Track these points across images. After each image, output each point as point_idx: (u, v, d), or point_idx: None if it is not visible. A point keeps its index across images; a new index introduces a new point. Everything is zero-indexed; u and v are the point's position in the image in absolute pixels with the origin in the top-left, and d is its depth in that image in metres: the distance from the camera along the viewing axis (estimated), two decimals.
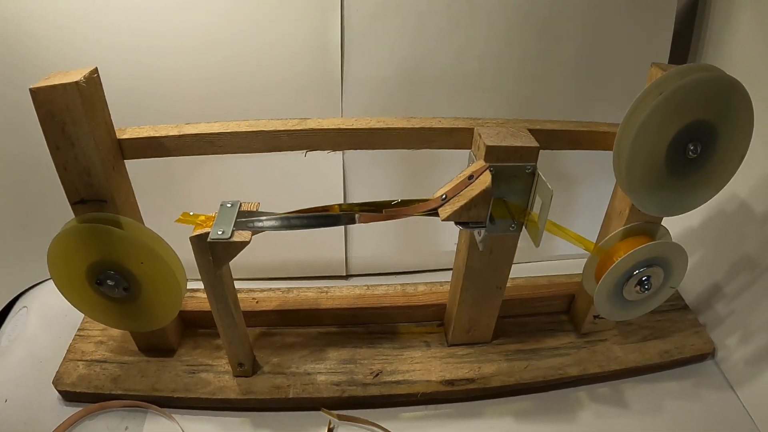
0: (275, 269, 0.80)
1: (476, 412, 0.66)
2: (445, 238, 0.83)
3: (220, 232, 0.53)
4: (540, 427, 0.66)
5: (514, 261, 0.68)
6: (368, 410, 0.65)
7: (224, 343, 0.62)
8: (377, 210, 0.55)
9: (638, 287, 0.64)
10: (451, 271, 0.68)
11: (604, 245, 0.64)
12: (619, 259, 0.61)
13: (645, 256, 0.63)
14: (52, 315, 0.77)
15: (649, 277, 0.63)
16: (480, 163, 0.54)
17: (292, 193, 0.75)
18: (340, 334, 0.70)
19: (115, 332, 0.71)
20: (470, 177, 0.53)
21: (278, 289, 0.73)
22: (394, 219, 0.54)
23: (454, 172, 0.56)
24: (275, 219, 0.54)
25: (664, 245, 0.63)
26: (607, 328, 0.73)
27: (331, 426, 0.64)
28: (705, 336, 0.74)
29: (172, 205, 0.62)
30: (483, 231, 0.54)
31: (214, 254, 0.53)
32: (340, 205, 0.54)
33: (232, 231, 0.53)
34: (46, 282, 0.82)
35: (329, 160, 0.74)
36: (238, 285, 0.62)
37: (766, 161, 0.73)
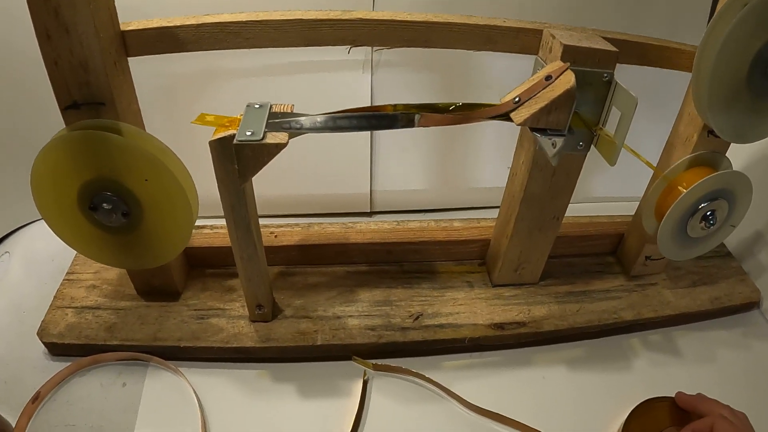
0: (292, 205, 0.72)
1: (525, 360, 0.60)
2: (477, 173, 0.76)
3: (248, 133, 0.44)
4: (594, 376, 0.60)
5: None
6: (406, 359, 0.58)
7: (242, 280, 0.54)
8: (439, 113, 0.47)
9: (703, 223, 0.58)
10: (484, 210, 0.61)
11: (669, 174, 0.58)
12: (690, 188, 0.56)
13: (714, 186, 0.57)
14: (37, 260, 0.67)
15: (714, 211, 0.58)
16: (558, 63, 0.47)
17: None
18: (371, 273, 0.62)
19: (110, 274, 0.61)
20: (548, 78, 0.46)
21: (297, 224, 0.65)
22: (460, 123, 0.46)
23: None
24: (317, 119, 0.46)
25: (734, 175, 0.57)
26: (656, 272, 0.67)
27: (366, 377, 0.57)
28: (751, 284, 0.69)
29: (181, 119, 0.53)
30: (560, 141, 0.47)
31: (240, 162, 0.44)
32: (394, 105, 0.47)
33: (264, 132, 0.44)
34: (31, 225, 0.71)
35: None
36: None
37: None
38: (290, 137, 0.45)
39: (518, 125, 0.46)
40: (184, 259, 0.61)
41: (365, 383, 0.56)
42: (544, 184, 0.54)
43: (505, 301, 0.61)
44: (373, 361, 0.57)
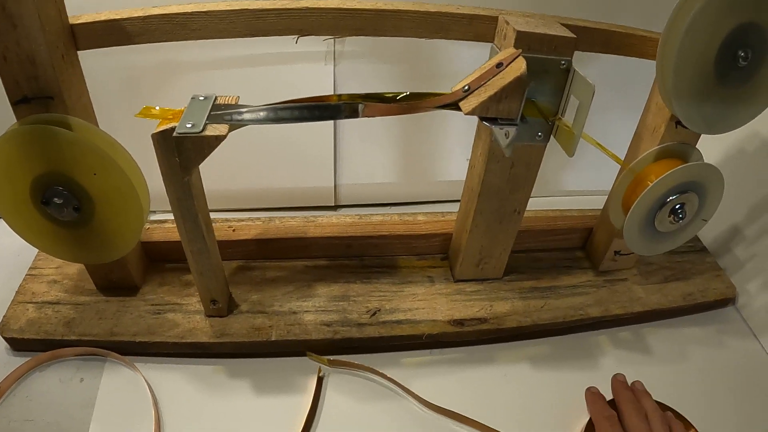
0: (255, 199, 0.71)
1: (487, 357, 0.59)
2: (443, 166, 0.75)
3: (189, 125, 0.43)
4: (559, 374, 0.58)
5: None
6: (363, 355, 0.57)
7: (194, 274, 0.52)
8: (385, 102, 0.46)
9: (672, 216, 0.56)
10: (451, 204, 0.60)
11: (636, 167, 0.56)
12: (655, 180, 0.54)
13: (682, 179, 0.55)
14: (3, 255, 0.65)
15: (683, 204, 0.56)
16: (510, 50, 0.46)
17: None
18: (331, 268, 0.61)
19: (71, 269, 0.61)
20: (498, 65, 0.45)
21: (258, 218, 0.63)
22: (407, 113, 0.45)
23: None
24: (258, 110, 0.44)
25: (704, 167, 0.56)
26: (627, 267, 0.65)
27: (321, 373, 0.56)
28: (726, 280, 0.67)
29: (131, 111, 0.52)
30: (513, 131, 0.46)
31: (181, 154, 0.43)
32: (338, 95, 0.45)
33: (205, 124, 0.43)
34: None
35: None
36: (213, 216, 0.52)
37: None
38: (232, 129, 0.44)
39: (466, 114, 0.45)
40: (142, 253, 0.60)
41: (320, 380, 0.55)
42: (502, 177, 0.52)
43: (466, 296, 0.59)
44: (329, 357, 0.56)
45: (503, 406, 0.55)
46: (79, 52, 0.48)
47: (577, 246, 0.67)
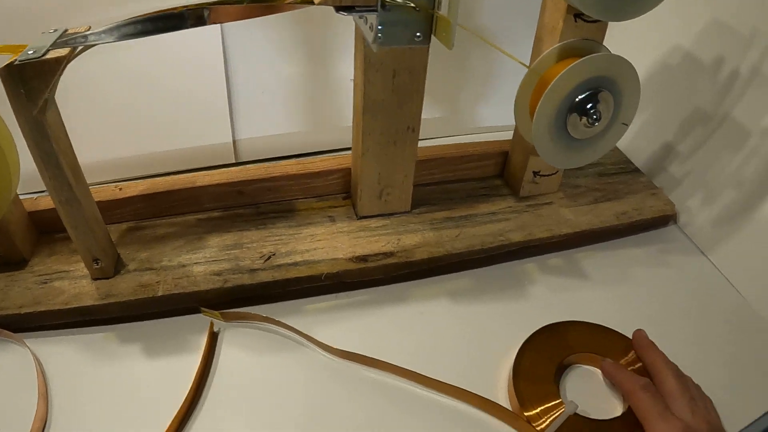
0: (154, 164, 0.66)
1: (399, 296, 0.53)
2: (346, 110, 0.69)
3: (30, 52, 0.40)
4: (482, 307, 0.53)
5: (430, 136, 0.57)
6: (263, 306, 0.52)
7: (69, 230, 0.48)
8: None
9: (585, 118, 0.51)
10: None
11: (537, 67, 0.51)
12: (557, 76, 0.49)
13: (587, 73, 0.50)
14: None
15: (595, 104, 0.51)
16: None
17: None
18: (224, 219, 0.56)
19: None
20: None
21: (150, 178, 0.59)
22: (260, 15, 0.41)
23: None
24: (102, 31, 0.41)
25: (610, 59, 0.51)
26: (551, 191, 0.60)
27: (216, 329, 0.51)
28: (664, 197, 0.62)
29: None
30: (374, 19, 0.41)
31: (25, 84, 0.40)
32: (186, 6, 0.42)
33: (47, 50, 0.40)
34: None
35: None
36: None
37: (706, 7, 0.63)
38: (75, 52, 0.41)
39: (318, 4, 0.41)
40: (29, 224, 0.56)
41: (213, 335, 0.50)
42: (385, 88, 0.48)
43: (371, 232, 0.54)
44: (224, 311, 0.51)
45: (420, 345, 0.50)
46: None
47: (494, 174, 0.62)
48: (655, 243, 0.60)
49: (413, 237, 0.54)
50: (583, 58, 0.49)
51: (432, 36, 0.45)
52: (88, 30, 0.43)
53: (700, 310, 0.55)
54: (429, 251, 0.53)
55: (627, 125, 0.55)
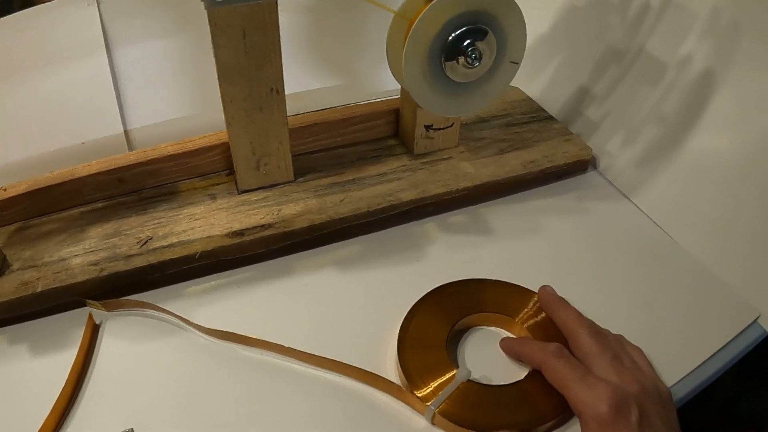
0: (47, 165, 0.61)
1: (283, 270, 0.51)
2: None
3: None
4: (372, 273, 0.50)
5: (331, 106, 0.54)
6: (145, 293, 0.50)
7: None
8: None
9: (464, 59, 0.48)
10: None
11: (405, 11, 0.48)
12: (422, 12, 0.46)
13: (456, 8, 0.46)
14: None
15: (473, 42, 0.48)
16: None
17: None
18: (107, 208, 0.54)
19: None
20: None
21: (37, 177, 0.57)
22: None
23: None
24: None
25: None
26: (449, 146, 0.57)
27: (98, 321, 0.49)
28: (580, 143, 0.58)
29: None
30: None
31: None
32: None
33: None
34: None
35: None
36: None
37: None
38: None
39: None
40: None
41: (95, 327, 0.48)
42: (237, 50, 0.45)
43: (251, 206, 0.52)
44: (105, 301, 0.49)
45: (305, 319, 0.48)
46: None
47: (388, 135, 0.58)
48: (571, 191, 0.56)
49: (294, 206, 0.51)
50: None
51: None
52: None
53: (625, 257, 0.51)
54: (310, 219, 0.50)
55: (517, 64, 0.51)
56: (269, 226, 0.50)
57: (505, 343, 0.45)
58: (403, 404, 0.42)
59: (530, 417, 0.40)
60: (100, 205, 0.55)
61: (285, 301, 0.49)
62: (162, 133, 0.62)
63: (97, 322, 0.49)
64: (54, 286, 0.49)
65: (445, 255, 0.51)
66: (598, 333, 0.43)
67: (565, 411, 0.41)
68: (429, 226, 0.53)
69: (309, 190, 0.53)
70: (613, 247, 0.53)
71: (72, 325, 0.50)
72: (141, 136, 0.61)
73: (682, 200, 0.54)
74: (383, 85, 0.69)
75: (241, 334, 0.46)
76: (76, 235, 0.53)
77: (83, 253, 0.51)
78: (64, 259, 0.51)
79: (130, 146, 0.61)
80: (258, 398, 0.43)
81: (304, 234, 0.50)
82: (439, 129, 0.54)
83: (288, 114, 0.51)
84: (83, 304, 0.51)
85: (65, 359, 0.47)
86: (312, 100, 0.61)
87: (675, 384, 0.44)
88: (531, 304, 0.47)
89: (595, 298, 0.47)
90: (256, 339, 0.46)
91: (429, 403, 0.41)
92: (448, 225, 0.53)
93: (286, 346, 0.45)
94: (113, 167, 0.53)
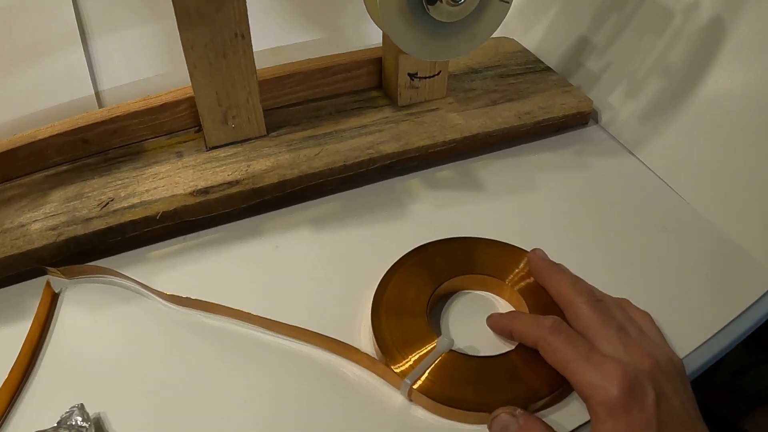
0: (7, 133, 0.56)
1: (252, 230, 0.47)
2: None
3: None
4: (348, 233, 0.46)
5: None
6: (107, 258, 0.46)
7: None
8: None
9: None
10: None
11: None
12: None
13: None
14: None
15: None
16: None
17: None
18: (71, 171, 0.51)
19: None
20: None
21: None
22: None
23: None
24: None
25: None
26: (437, 96, 0.52)
27: (57, 289, 0.46)
28: (579, 94, 0.53)
29: None
30: None
31: None
32: None
33: None
34: None
35: None
36: None
37: None
38: None
39: None
40: None
41: (52, 296, 0.44)
42: None
43: (219, 163, 0.48)
44: (65, 268, 0.46)
45: (275, 283, 0.44)
46: None
47: (371, 86, 0.54)
48: (570, 145, 0.51)
49: (265, 161, 0.47)
50: None
51: None
52: None
53: (628, 217, 0.46)
54: (280, 174, 0.46)
55: (508, 3, 0.46)
56: (236, 182, 0.46)
57: (492, 320, 0.40)
58: (377, 378, 0.38)
59: (522, 392, 0.36)
60: (64, 168, 0.51)
61: (253, 265, 0.45)
62: (136, 93, 0.59)
63: (56, 291, 0.46)
64: (11, 253, 0.46)
65: (431, 213, 0.46)
66: (599, 301, 0.37)
67: (562, 385, 0.36)
68: (413, 182, 0.48)
69: (282, 144, 0.48)
70: (616, 206, 0.48)
71: (31, 294, 0.46)
72: (113, 97, 0.58)
73: (691, 155, 0.49)
74: (369, 38, 0.64)
75: (205, 300, 0.42)
76: (38, 200, 0.50)
77: (43, 218, 0.48)
78: (23, 225, 0.48)
79: (102, 105, 0.58)
80: (220, 369, 0.39)
81: (274, 191, 0.46)
82: (425, 78, 0.50)
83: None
84: (45, 273, 0.48)
85: (21, 330, 0.44)
86: (291, 55, 0.57)
87: (685, 356, 0.39)
88: (522, 265, 0.42)
89: (595, 262, 0.42)
90: (218, 305, 0.42)
91: (405, 377, 0.37)
92: (435, 180, 0.48)
93: (251, 313, 0.41)
94: (75, 127, 0.50)
